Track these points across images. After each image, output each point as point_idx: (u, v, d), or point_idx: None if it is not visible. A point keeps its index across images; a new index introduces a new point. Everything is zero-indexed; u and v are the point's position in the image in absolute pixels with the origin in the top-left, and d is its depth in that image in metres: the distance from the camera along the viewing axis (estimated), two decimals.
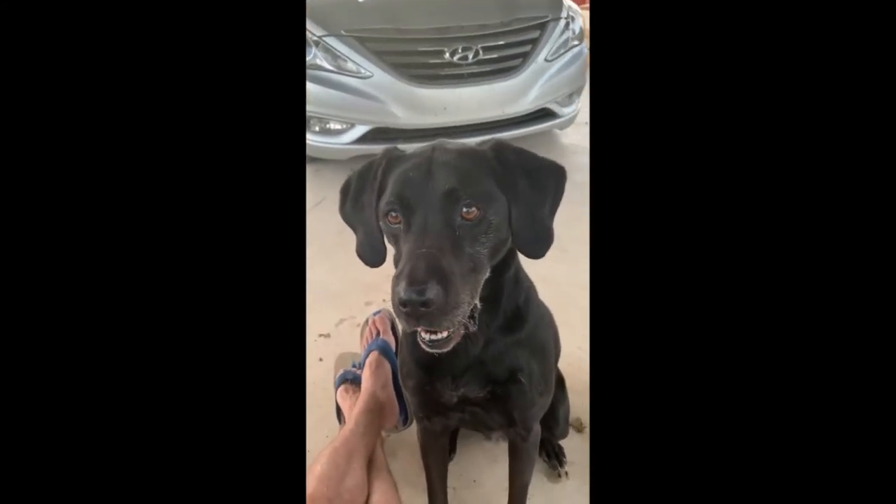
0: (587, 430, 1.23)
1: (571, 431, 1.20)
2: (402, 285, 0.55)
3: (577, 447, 1.18)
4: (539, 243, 0.68)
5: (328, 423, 1.24)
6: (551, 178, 0.70)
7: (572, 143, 2.97)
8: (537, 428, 0.89)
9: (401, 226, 0.64)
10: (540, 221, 0.68)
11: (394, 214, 0.64)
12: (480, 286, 0.65)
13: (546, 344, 0.84)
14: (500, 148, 0.69)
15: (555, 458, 1.13)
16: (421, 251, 0.58)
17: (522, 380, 0.78)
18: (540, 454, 1.13)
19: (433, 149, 0.67)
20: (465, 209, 0.62)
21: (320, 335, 1.56)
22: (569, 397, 1.13)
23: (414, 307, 0.55)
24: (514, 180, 0.66)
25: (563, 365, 1.08)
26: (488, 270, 0.67)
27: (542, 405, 0.84)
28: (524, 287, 0.79)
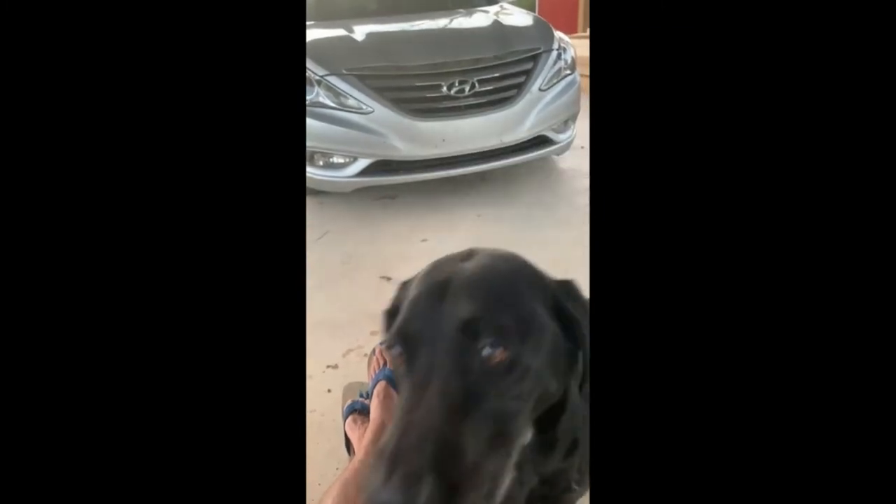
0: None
1: None
2: (378, 477, 0.37)
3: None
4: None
5: (338, 455, 1.23)
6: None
7: (570, 167, 3.02)
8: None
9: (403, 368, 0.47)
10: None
11: (398, 351, 0.47)
12: (515, 455, 0.45)
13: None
14: (570, 287, 0.52)
15: None
16: (415, 415, 0.41)
17: (576, 488, 0.65)
18: None
19: (467, 254, 0.52)
20: (486, 350, 0.44)
21: (328, 366, 1.56)
22: None
23: None
24: (579, 321, 0.48)
25: None
26: (529, 431, 0.48)
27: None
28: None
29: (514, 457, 0.46)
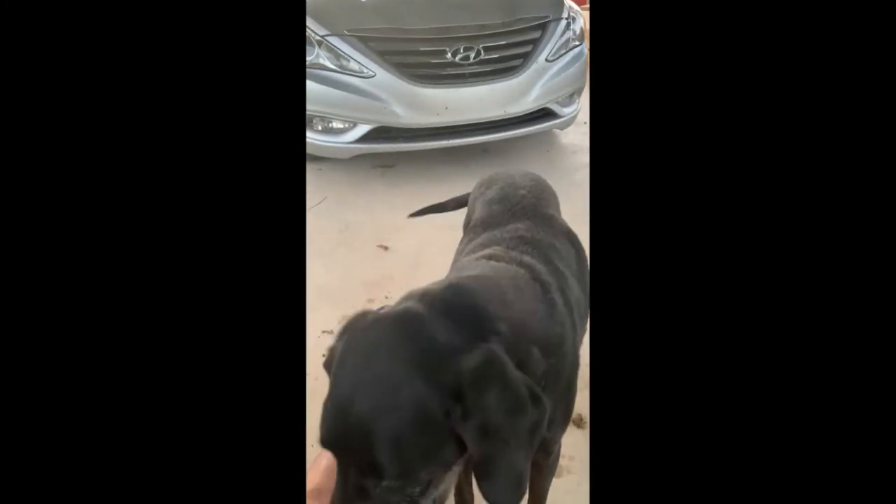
0: (587, 425, 1.24)
1: (571, 427, 1.21)
2: None
3: (576, 442, 1.19)
4: (506, 491, 0.52)
5: None
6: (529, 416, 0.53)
7: (572, 142, 2.98)
8: (559, 445, 0.87)
9: None
10: (510, 465, 0.52)
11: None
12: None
13: (571, 386, 0.74)
14: (478, 378, 0.50)
15: None
16: None
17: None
18: None
19: (365, 355, 0.53)
20: (385, 483, 0.49)
21: (324, 331, 1.57)
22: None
23: None
24: (485, 423, 0.50)
25: None
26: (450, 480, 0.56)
27: (562, 433, 0.82)
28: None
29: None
